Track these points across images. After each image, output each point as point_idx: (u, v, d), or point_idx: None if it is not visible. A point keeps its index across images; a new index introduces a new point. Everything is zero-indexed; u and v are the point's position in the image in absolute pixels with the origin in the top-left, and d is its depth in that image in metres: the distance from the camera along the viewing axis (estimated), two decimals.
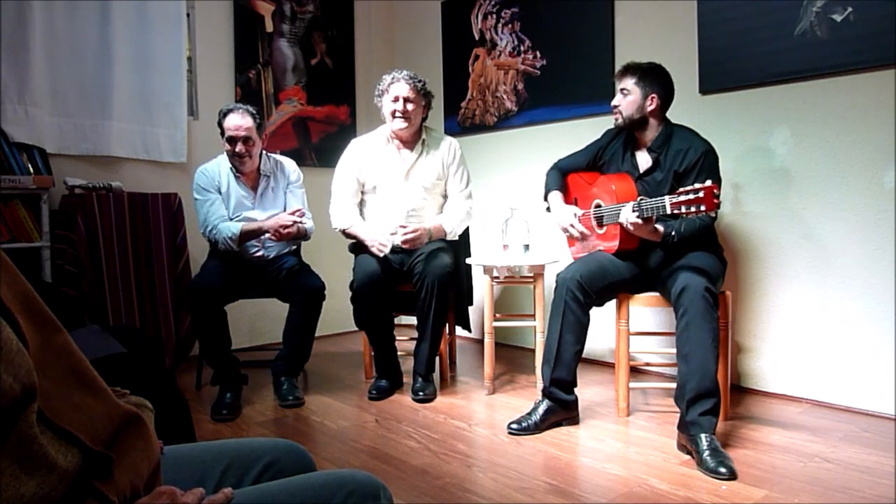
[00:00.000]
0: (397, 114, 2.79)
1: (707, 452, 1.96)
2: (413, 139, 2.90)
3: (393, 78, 2.81)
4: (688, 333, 2.09)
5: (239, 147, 2.67)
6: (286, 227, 2.63)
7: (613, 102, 2.42)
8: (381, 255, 2.71)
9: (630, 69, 2.39)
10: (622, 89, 2.38)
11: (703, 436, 2.01)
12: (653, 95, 2.33)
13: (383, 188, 2.87)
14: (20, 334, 0.60)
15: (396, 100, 2.78)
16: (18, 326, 0.61)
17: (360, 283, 2.70)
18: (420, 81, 2.84)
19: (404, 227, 2.71)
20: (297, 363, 2.81)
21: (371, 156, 2.90)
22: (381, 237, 2.73)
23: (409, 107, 2.79)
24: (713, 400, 2.06)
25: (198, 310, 2.57)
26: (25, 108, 2.93)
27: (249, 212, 2.78)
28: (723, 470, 1.90)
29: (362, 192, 2.95)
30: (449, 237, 2.89)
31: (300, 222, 2.68)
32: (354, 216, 2.88)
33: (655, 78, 2.35)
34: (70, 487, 0.63)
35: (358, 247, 2.94)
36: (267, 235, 2.70)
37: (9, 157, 2.85)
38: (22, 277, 0.66)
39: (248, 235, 2.67)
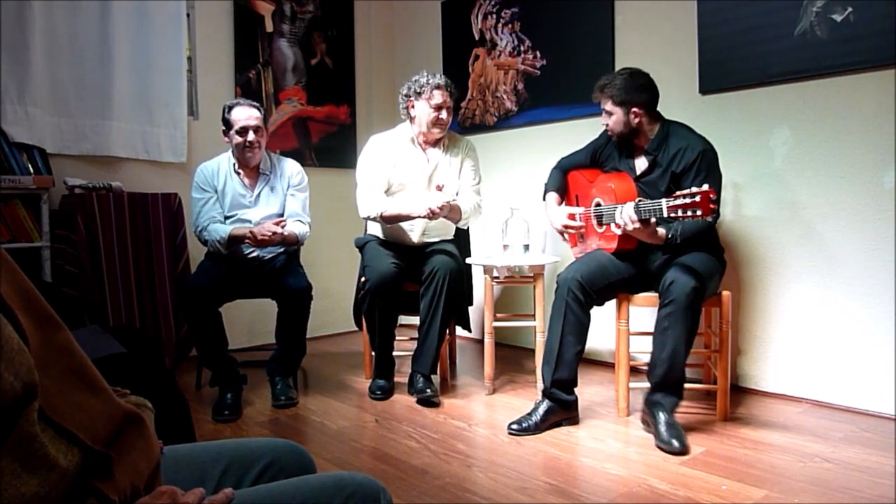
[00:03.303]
0: (439, 122, 2.80)
1: (663, 426, 2.15)
2: (437, 140, 2.91)
3: (435, 84, 2.79)
4: (666, 323, 2.18)
5: (252, 137, 2.69)
6: (264, 236, 2.59)
7: (601, 121, 2.42)
8: (441, 213, 2.64)
9: (604, 90, 2.35)
10: (603, 110, 2.38)
11: (661, 413, 2.18)
12: (634, 109, 2.30)
13: (409, 188, 2.86)
14: (21, 332, 0.60)
15: (439, 108, 2.79)
16: (19, 324, 0.61)
17: (376, 283, 2.69)
18: (452, 86, 2.87)
19: (444, 199, 2.66)
20: (288, 363, 2.80)
21: (396, 155, 2.89)
22: (430, 202, 2.64)
23: (448, 114, 2.82)
24: (677, 386, 2.22)
25: (191, 311, 2.57)
26: (25, 108, 2.93)
27: (245, 210, 2.78)
28: (675, 442, 2.08)
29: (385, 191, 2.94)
30: (461, 221, 2.88)
31: (280, 232, 2.62)
32: (387, 200, 2.84)
33: (633, 90, 2.30)
34: (71, 486, 0.63)
35: (367, 241, 2.96)
36: (247, 242, 2.66)
37: (9, 157, 2.85)
38: (23, 275, 0.66)
39: (235, 240, 2.65)
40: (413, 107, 2.86)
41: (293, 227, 2.77)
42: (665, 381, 2.21)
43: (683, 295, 2.12)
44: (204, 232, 2.69)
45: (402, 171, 2.87)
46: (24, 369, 0.58)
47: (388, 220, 2.82)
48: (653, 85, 2.35)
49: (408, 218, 2.76)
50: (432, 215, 2.65)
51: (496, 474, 1.98)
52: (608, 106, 2.35)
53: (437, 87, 2.79)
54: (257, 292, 2.81)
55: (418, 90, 2.82)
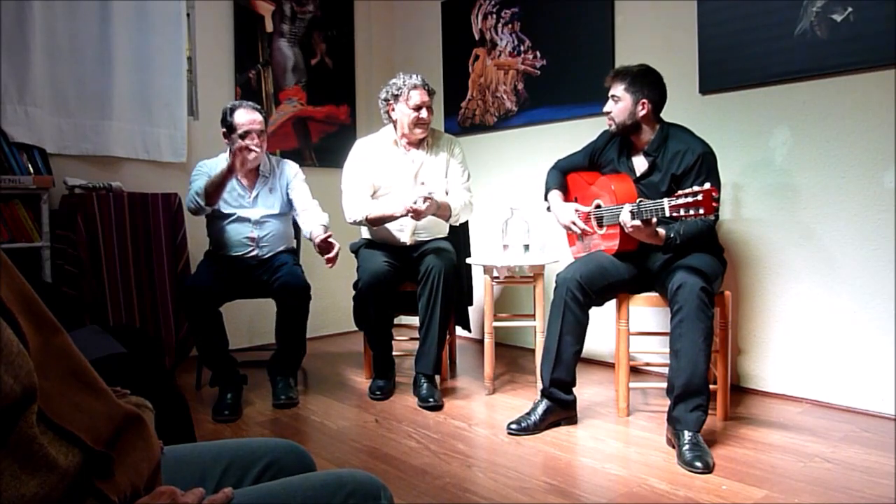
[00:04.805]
0: (421, 121, 2.80)
1: (687, 447, 2.01)
2: (420, 141, 2.91)
3: (411, 85, 2.79)
4: (680, 330, 2.11)
5: (255, 141, 2.69)
6: (331, 249, 2.60)
7: (605, 108, 2.40)
8: (424, 215, 2.64)
9: (619, 75, 2.36)
10: (612, 95, 2.36)
11: (686, 432, 2.05)
12: (643, 101, 2.30)
13: (395, 191, 2.85)
14: (20, 335, 0.60)
15: (419, 108, 2.78)
16: (19, 327, 0.61)
17: (367, 282, 2.70)
18: (429, 84, 2.87)
19: (427, 198, 2.63)
20: (289, 363, 2.80)
21: (380, 159, 2.89)
22: (409, 201, 2.62)
23: (428, 113, 2.82)
24: (700, 398, 2.09)
25: (191, 310, 2.57)
26: (25, 108, 2.93)
27: (244, 210, 2.78)
28: (698, 464, 1.95)
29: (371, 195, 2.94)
30: (452, 218, 2.87)
31: (252, 147, 2.60)
32: (371, 203, 2.84)
33: (646, 82, 2.31)
34: (71, 487, 0.63)
35: (361, 245, 2.96)
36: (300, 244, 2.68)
37: (9, 157, 2.85)
38: (22, 278, 0.66)
39: (212, 187, 2.60)
40: (393, 110, 2.86)
41: (319, 219, 2.77)
42: (687, 391, 2.07)
43: (693, 297, 2.08)
44: (188, 202, 2.68)
45: (386, 174, 2.87)
46: (24, 372, 0.58)
47: (374, 223, 2.83)
48: (664, 87, 2.35)
49: (392, 218, 2.76)
50: (416, 215, 2.64)
51: (496, 474, 1.98)
52: (619, 91, 2.34)
53: (414, 87, 2.79)
54: (257, 292, 2.81)
55: (395, 93, 2.82)
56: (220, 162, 2.80)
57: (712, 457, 2.00)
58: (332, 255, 2.61)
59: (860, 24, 2.38)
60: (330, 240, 2.61)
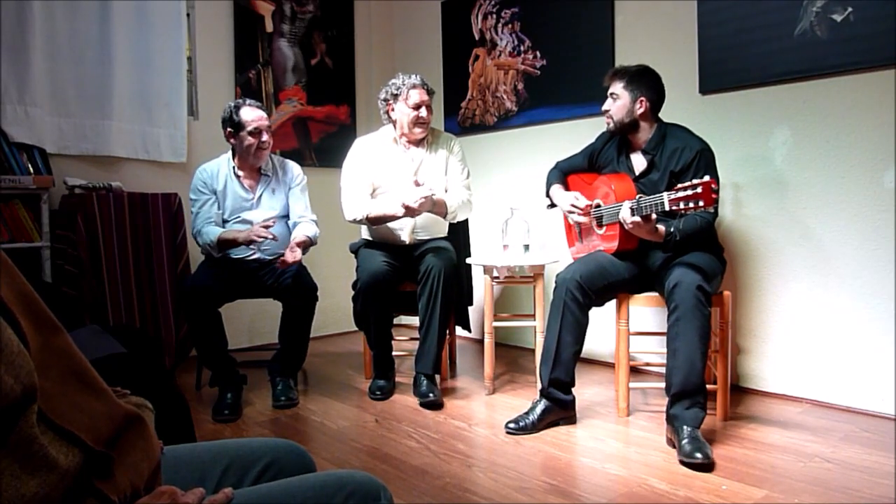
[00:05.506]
0: (420, 121, 2.80)
1: (686, 440, 2.01)
2: (420, 139, 2.91)
3: (410, 84, 2.80)
4: (677, 329, 2.11)
5: (265, 137, 2.69)
6: (260, 237, 2.56)
7: (604, 107, 2.42)
8: (419, 212, 2.64)
9: (618, 73, 2.38)
10: (611, 94, 2.38)
11: (685, 427, 2.05)
12: (641, 99, 2.32)
13: (394, 189, 2.85)
14: (21, 335, 0.60)
15: (418, 107, 2.79)
16: (19, 327, 0.61)
17: (366, 282, 2.70)
18: (429, 84, 2.88)
19: (421, 195, 2.61)
20: (291, 364, 2.80)
21: (379, 157, 2.89)
22: (407, 200, 2.61)
23: (428, 112, 2.82)
24: (698, 396, 2.09)
25: (191, 311, 2.57)
26: (25, 108, 2.93)
27: (247, 213, 2.77)
28: (698, 455, 1.95)
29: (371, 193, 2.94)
30: (449, 216, 2.87)
31: (269, 236, 2.57)
32: (371, 202, 2.84)
33: (644, 81, 2.34)
34: (71, 487, 0.63)
35: (360, 245, 2.96)
36: (254, 249, 2.68)
37: (9, 157, 2.85)
38: (22, 278, 0.66)
39: (225, 244, 2.63)
40: (392, 110, 2.86)
41: (305, 230, 2.76)
42: (684, 389, 2.08)
43: (689, 296, 2.08)
44: (198, 236, 2.70)
45: (386, 173, 2.87)
46: (24, 372, 0.58)
47: (374, 222, 2.82)
48: (662, 86, 2.37)
49: (393, 218, 2.75)
50: (411, 213, 2.63)
51: (496, 474, 1.98)
52: (617, 89, 2.35)
53: (414, 86, 2.80)
54: (258, 293, 2.80)
55: (395, 92, 2.83)
56: (220, 165, 2.80)
57: (711, 450, 2.00)
58: (286, 259, 2.60)
59: (860, 24, 2.38)
60: (295, 254, 2.61)
